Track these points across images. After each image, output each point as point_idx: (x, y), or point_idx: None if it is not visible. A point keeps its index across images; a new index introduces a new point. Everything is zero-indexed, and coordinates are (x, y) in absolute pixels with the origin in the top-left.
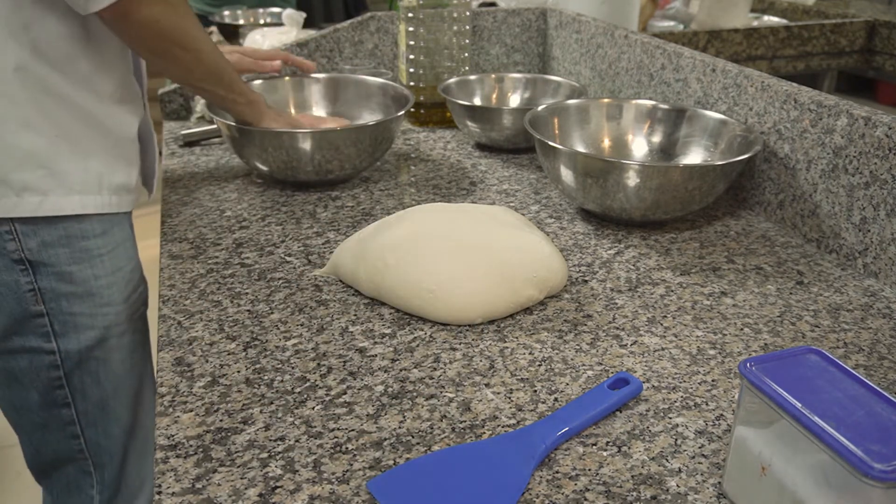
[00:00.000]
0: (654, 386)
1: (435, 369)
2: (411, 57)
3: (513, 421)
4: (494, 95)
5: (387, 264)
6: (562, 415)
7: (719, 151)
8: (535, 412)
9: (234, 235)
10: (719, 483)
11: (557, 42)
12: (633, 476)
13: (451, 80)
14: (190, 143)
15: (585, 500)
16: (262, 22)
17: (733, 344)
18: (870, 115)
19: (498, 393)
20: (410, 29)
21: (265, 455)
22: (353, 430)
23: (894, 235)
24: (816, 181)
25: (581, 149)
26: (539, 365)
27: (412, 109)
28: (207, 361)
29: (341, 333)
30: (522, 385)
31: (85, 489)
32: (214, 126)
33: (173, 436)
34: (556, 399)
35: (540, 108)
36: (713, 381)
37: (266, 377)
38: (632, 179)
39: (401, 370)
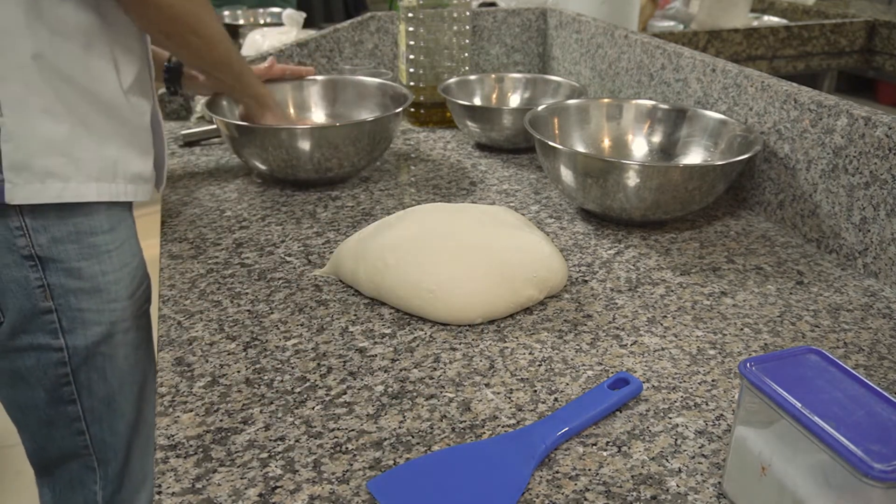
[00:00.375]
0: (654, 386)
1: (435, 369)
2: (411, 57)
3: (513, 421)
4: (494, 95)
5: (387, 264)
6: (562, 415)
7: (719, 151)
8: (535, 412)
9: (234, 235)
10: (719, 483)
11: (557, 42)
12: (633, 476)
13: (451, 80)
14: (190, 143)
15: (585, 500)
16: (262, 22)
17: (733, 344)
18: (870, 115)
19: (498, 393)
20: (410, 29)
21: (265, 455)
22: (353, 430)
23: (894, 235)
24: (816, 181)
25: (581, 149)
26: (539, 365)
27: (412, 109)
28: (207, 361)
29: (341, 333)
30: (522, 385)
31: (88, 485)
32: (214, 126)
33: (173, 436)
34: (556, 399)
35: (540, 108)
36: (713, 381)
37: (266, 377)
38: (632, 179)
39: (401, 370)
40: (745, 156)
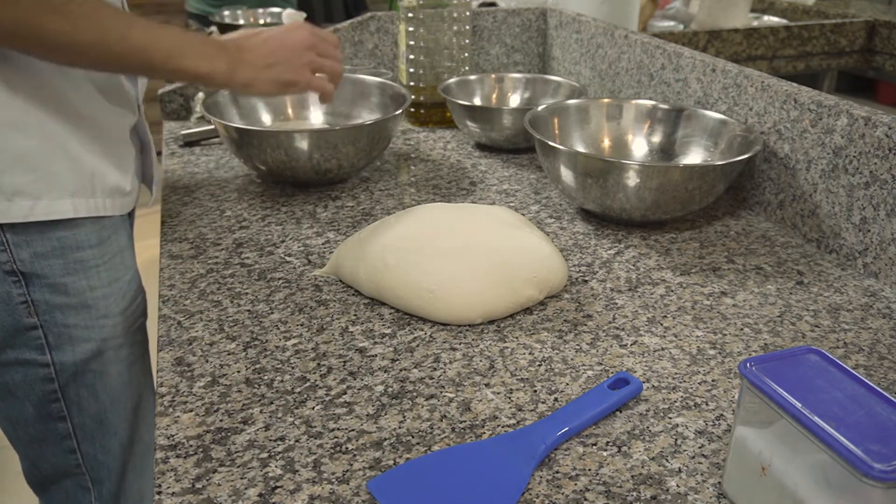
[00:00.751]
0: (654, 386)
1: (435, 369)
2: (411, 57)
3: (513, 421)
4: (494, 95)
5: (387, 264)
6: (562, 415)
7: (719, 151)
8: (535, 412)
9: (234, 235)
10: (719, 483)
11: (557, 42)
12: (633, 476)
13: (451, 80)
14: (190, 143)
15: (585, 500)
16: (262, 22)
17: (733, 344)
18: (870, 115)
19: (498, 393)
20: (410, 29)
21: (265, 455)
22: (353, 430)
23: (894, 235)
24: (816, 181)
25: (581, 149)
26: (539, 365)
27: (412, 109)
28: (207, 361)
29: (341, 333)
30: (522, 385)
31: None
32: (214, 126)
33: (173, 436)
34: (556, 399)
35: (540, 108)
36: (713, 381)
37: (266, 377)
38: (632, 179)
39: (401, 370)
40: (745, 156)
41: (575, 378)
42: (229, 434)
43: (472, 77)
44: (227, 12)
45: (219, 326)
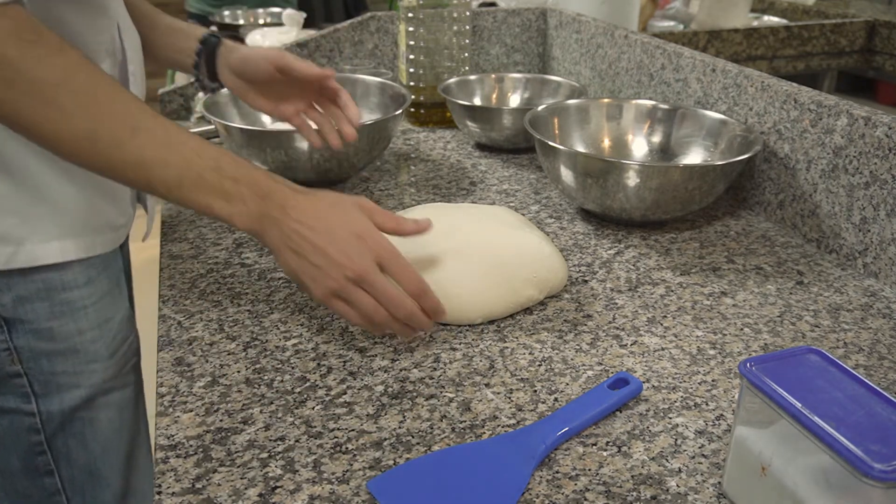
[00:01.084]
0: (654, 386)
1: (435, 369)
2: (411, 57)
3: (513, 421)
4: (494, 95)
5: None
6: (562, 415)
7: (719, 151)
8: (535, 412)
9: (234, 235)
10: (719, 483)
11: (557, 42)
12: (633, 476)
13: (451, 80)
14: None
15: (585, 500)
16: (262, 22)
17: (733, 344)
18: (870, 115)
19: (498, 393)
20: (410, 29)
21: (265, 455)
22: (353, 430)
23: (894, 235)
24: (816, 181)
25: (581, 149)
26: (539, 365)
27: (412, 109)
28: (207, 361)
29: (341, 333)
30: (522, 385)
31: None
32: (214, 126)
33: (173, 436)
34: (556, 399)
35: (540, 108)
36: (713, 381)
37: (266, 377)
38: (632, 179)
39: (401, 370)
40: (745, 156)
41: (575, 378)
42: (229, 434)
43: (472, 77)
44: (227, 12)
45: (219, 326)
